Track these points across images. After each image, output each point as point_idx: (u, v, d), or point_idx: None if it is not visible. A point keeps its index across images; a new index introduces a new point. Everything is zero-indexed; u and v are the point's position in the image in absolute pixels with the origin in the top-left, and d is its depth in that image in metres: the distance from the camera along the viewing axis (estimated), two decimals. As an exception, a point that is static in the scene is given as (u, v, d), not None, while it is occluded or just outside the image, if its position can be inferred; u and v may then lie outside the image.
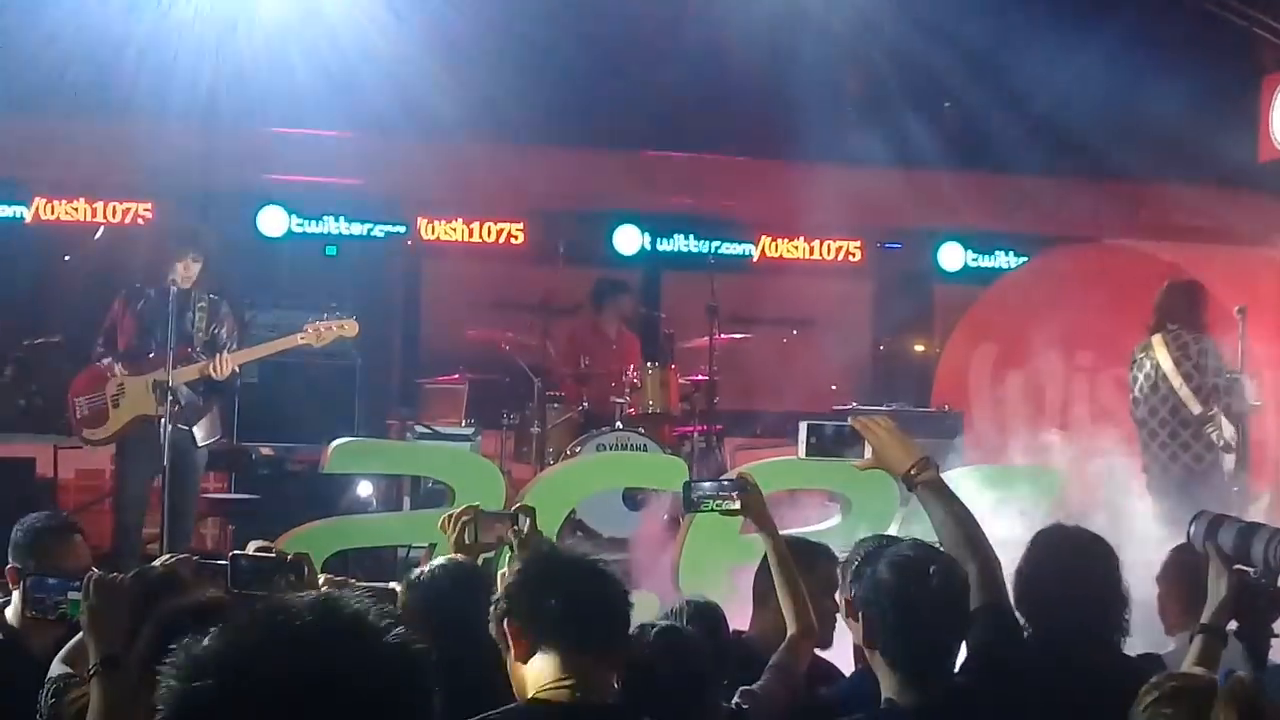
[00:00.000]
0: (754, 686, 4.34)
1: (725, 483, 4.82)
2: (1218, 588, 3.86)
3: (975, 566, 3.76)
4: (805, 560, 4.71)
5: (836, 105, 12.89)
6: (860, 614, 3.69)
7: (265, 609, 1.81)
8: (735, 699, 4.21)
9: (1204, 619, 3.88)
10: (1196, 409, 9.24)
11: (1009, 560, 4.12)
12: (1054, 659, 3.91)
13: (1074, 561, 4.22)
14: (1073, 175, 13.22)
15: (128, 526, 8.44)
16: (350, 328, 8.77)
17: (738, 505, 4.67)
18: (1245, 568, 3.82)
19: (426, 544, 8.53)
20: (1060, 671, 3.87)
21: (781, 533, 4.75)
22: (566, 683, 3.17)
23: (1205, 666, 3.60)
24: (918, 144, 12.88)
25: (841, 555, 4.78)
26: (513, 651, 3.26)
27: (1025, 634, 4.12)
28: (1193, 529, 3.97)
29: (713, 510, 4.79)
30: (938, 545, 3.86)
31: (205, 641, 1.79)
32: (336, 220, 13.78)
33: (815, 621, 4.53)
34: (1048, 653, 3.98)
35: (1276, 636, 3.81)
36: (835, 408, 11.94)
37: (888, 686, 3.61)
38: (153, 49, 11.19)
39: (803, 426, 4.17)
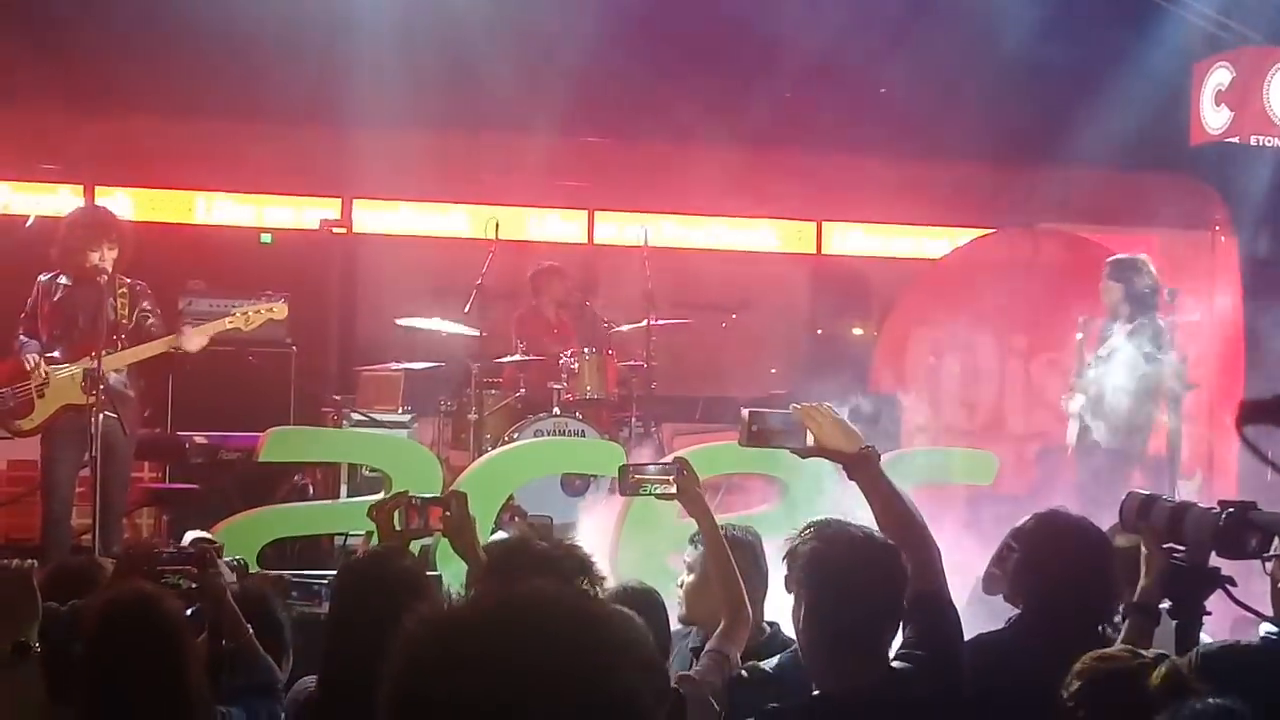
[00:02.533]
0: (690, 671, 4.35)
1: (661, 466, 4.84)
2: (1149, 567, 3.89)
3: (915, 555, 3.77)
4: (734, 545, 4.73)
5: (775, 89, 12.89)
6: (796, 594, 3.71)
7: (527, 597, 1.76)
8: (673, 683, 4.22)
9: (1135, 597, 3.91)
10: None
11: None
12: (1040, 642, 3.93)
13: (1076, 549, 4.22)
14: (1006, 160, 13.29)
15: (57, 517, 8.35)
16: (279, 310, 8.69)
17: (674, 489, 4.68)
18: (1176, 547, 3.85)
19: (363, 532, 8.53)
20: (1050, 659, 3.88)
21: (716, 518, 4.76)
22: None
23: (1136, 645, 3.63)
24: (853, 129, 12.91)
25: (784, 540, 4.81)
26: None
27: (1011, 616, 4.15)
28: (1124, 507, 4.00)
29: (649, 494, 4.80)
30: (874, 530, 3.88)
31: (470, 615, 1.74)
32: (271, 208, 13.68)
33: (750, 607, 4.54)
34: (1036, 635, 4.00)
35: (1208, 614, 3.84)
36: (773, 392, 11.99)
37: (818, 670, 3.62)
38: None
39: (744, 413, 4.16)
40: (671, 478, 4.69)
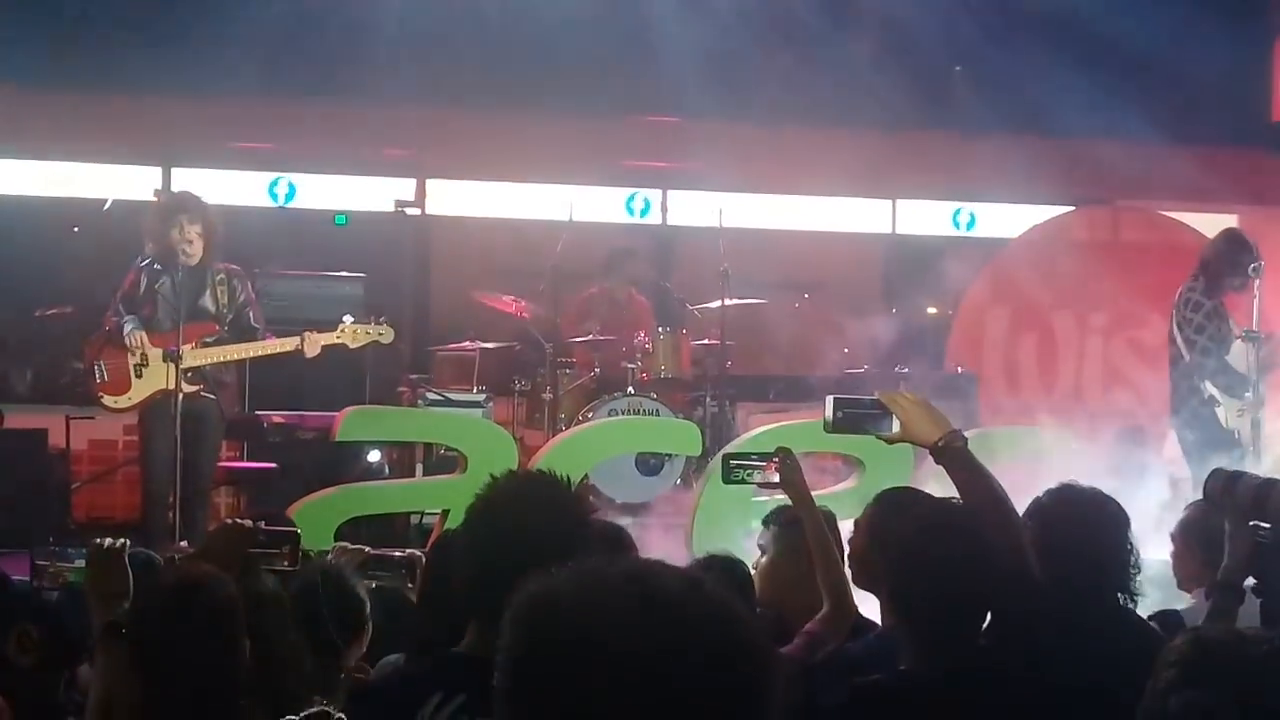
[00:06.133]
0: (785, 648, 4.35)
1: (762, 455, 4.83)
2: (1234, 544, 3.84)
3: (1003, 536, 3.74)
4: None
5: (843, 69, 12.82)
6: (885, 577, 3.68)
7: (634, 573, 1.76)
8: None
9: (1220, 575, 3.86)
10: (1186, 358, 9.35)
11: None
12: (1059, 614, 3.90)
13: (1084, 521, 4.20)
14: (1086, 137, 13.15)
15: (156, 497, 8.46)
16: (387, 334, 8.81)
17: (776, 478, 4.68)
18: (1262, 523, 3.80)
19: (439, 510, 8.57)
20: (1076, 631, 3.86)
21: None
22: (472, 640, 3.35)
23: (1221, 622, 3.58)
24: (929, 106, 12.83)
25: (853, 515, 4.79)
26: None
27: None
28: (1209, 484, 3.96)
29: (751, 482, 4.81)
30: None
31: (568, 589, 1.74)
32: (346, 188, 13.72)
33: (853, 600, 4.52)
34: (1055, 608, 3.97)
35: (1295, 592, 3.78)
36: (848, 371, 11.93)
37: (909, 648, 3.60)
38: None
39: (829, 401, 4.13)
40: (774, 466, 4.69)
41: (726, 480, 4.92)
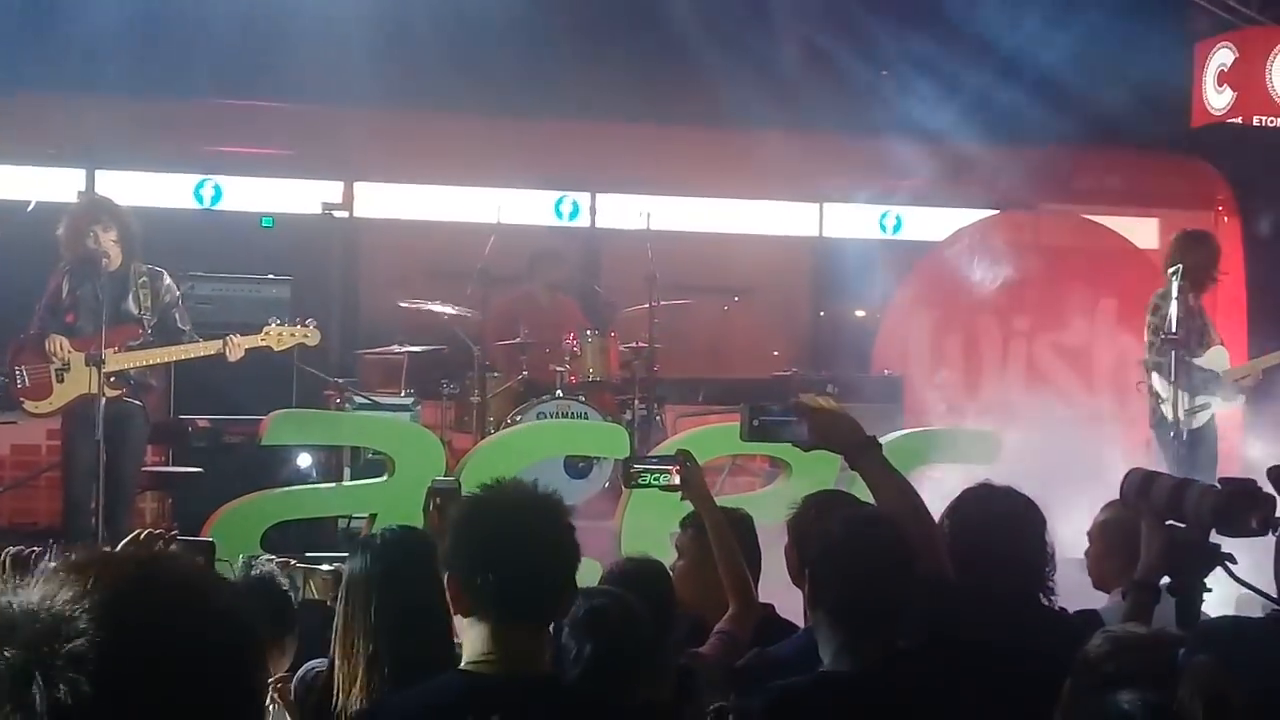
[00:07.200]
0: (701, 649, 4.39)
1: (664, 458, 4.88)
2: (1150, 544, 3.89)
3: (918, 539, 3.78)
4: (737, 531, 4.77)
5: (776, 71, 12.87)
6: (807, 573, 3.72)
7: (88, 561, 1.71)
8: (682, 660, 4.25)
9: (1136, 575, 3.91)
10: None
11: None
12: (986, 617, 3.94)
13: (1002, 520, 4.24)
14: (1009, 142, 13.26)
15: (77, 502, 8.38)
16: (313, 336, 8.78)
17: (677, 480, 4.72)
18: (1177, 523, 3.85)
19: (367, 514, 8.56)
20: (993, 630, 3.90)
21: (720, 500, 4.79)
22: (492, 656, 3.09)
23: (1138, 621, 3.64)
24: (858, 110, 12.89)
25: (786, 513, 4.84)
26: (453, 606, 3.21)
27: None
28: (1125, 484, 4.01)
29: (652, 485, 4.85)
30: None
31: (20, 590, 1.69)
32: (272, 191, 13.62)
33: (756, 595, 4.57)
34: (973, 606, 4.01)
35: (1208, 591, 3.84)
36: (776, 374, 11.98)
37: (829, 649, 3.63)
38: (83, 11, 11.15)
39: (745, 409, 4.16)
40: (674, 469, 4.73)
41: (628, 485, 4.99)
